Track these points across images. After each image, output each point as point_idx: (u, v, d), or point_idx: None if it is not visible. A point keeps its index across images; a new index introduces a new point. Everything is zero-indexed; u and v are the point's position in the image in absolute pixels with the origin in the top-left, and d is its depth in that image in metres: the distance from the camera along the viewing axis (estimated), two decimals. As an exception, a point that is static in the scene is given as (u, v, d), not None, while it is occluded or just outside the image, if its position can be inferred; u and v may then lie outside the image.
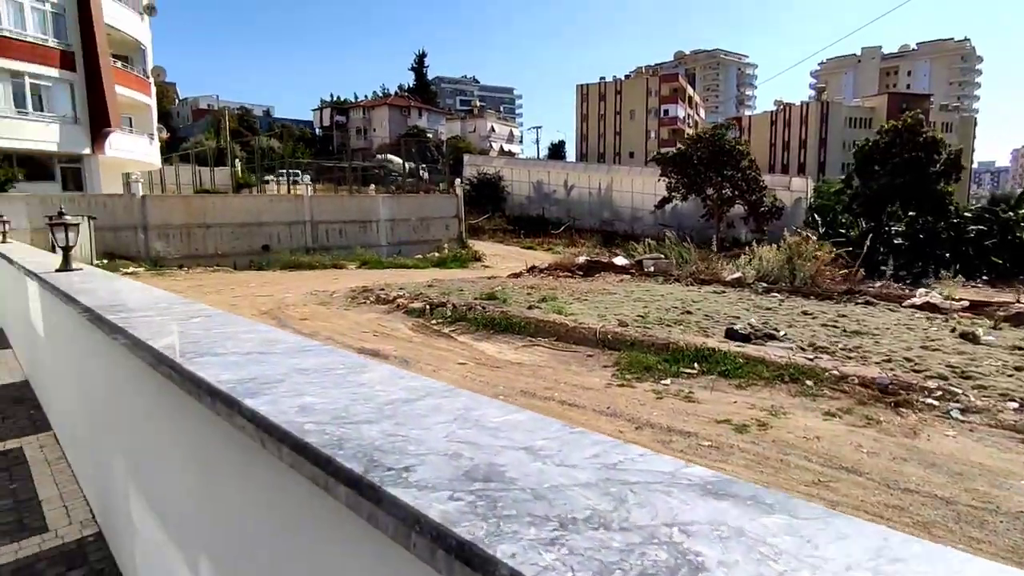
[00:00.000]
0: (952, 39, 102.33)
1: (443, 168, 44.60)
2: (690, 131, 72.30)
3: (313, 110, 75.76)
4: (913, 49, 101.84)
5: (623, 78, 74.38)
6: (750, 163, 26.94)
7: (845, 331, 7.78)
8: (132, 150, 27.37)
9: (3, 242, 7.98)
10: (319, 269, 20.18)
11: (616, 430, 5.01)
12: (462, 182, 32.81)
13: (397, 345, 8.29)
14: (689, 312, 9.23)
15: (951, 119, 70.74)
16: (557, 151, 72.51)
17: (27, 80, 22.50)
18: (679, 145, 62.49)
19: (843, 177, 28.81)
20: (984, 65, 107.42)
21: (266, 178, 37.64)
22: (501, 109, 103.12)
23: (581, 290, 11.98)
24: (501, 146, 72.33)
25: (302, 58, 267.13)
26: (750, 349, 6.68)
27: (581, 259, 15.23)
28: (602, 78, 72.50)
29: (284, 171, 36.35)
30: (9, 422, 4.98)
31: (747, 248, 17.99)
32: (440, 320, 9.57)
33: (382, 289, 12.05)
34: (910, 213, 22.58)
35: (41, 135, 22.93)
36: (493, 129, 73.98)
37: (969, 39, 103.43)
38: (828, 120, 63.61)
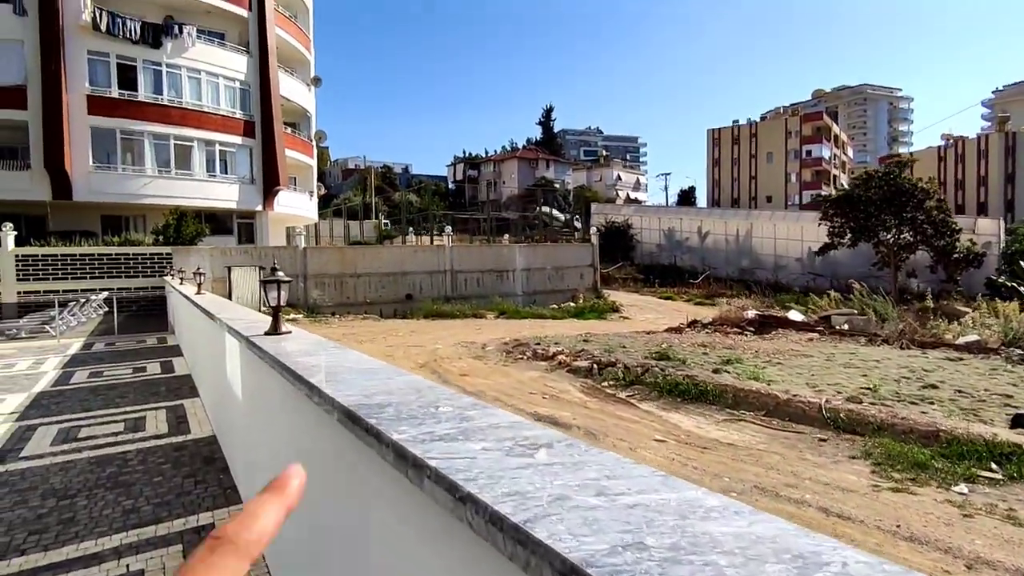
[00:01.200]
0: None
1: (575, 215, 44.62)
2: (836, 172, 66.37)
3: (447, 165, 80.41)
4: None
5: (758, 120, 70.76)
6: (938, 203, 23.27)
7: None
8: (296, 206, 30.11)
9: (198, 293, 8.33)
10: (460, 318, 20.16)
11: (934, 567, 3.58)
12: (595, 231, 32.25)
13: (573, 412, 7.35)
14: (933, 386, 7.34)
15: None
16: (687, 197, 69.85)
17: (217, 148, 25.69)
18: (824, 186, 57.45)
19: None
20: None
21: (408, 229, 39.86)
22: (627, 158, 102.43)
23: (765, 350, 10.35)
24: (627, 194, 71.24)
25: (437, 118, 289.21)
26: (1079, 449, 4.85)
27: (750, 313, 13.49)
28: (735, 121, 69.41)
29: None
30: (200, 488, 4.67)
31: (931, 299, 15.03)
32: (612, 382, 8.52)
33: (538, 343, 11.30)
34: None
35: (225, 195, 25.89)
36: (619, 177, 73.32)
37: None
38: (1016, 153, 54.93)
